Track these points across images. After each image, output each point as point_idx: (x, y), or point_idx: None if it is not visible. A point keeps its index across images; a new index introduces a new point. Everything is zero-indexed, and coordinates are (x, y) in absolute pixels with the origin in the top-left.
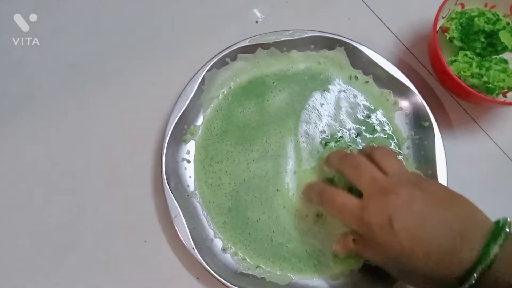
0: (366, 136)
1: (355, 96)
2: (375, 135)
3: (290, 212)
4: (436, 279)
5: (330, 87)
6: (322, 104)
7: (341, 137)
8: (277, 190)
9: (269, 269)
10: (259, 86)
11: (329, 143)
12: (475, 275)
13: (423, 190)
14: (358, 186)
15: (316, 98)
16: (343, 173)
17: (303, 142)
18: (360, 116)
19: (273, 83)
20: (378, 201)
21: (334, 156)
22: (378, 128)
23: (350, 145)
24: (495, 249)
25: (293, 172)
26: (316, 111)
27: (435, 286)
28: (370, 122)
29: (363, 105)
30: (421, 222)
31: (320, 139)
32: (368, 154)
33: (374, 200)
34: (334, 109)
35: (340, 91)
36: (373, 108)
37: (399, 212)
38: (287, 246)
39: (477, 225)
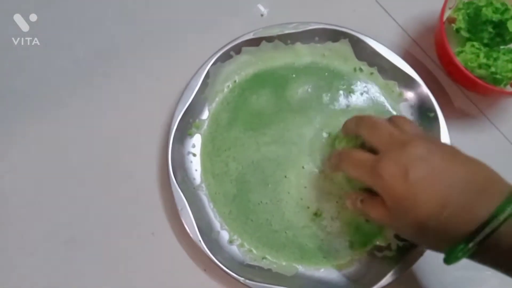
0: None
1: (378, 98)
2: None
3: (294, 199)
4: (444, 234)
5: (354, 87)
6: (348, 106)
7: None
8: (285, 176)
9: (275, 260)
10: (275, 78)
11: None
12: (483, 232)
13: (442, 148)
14: (374, 144)
15: (342, 97)
16: (360, 135)
17: (323, 135)
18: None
19: (293, 75)
20: (394, 153)
21: (350, 121)
22: None
23: None
24: (509, 210)
25: (307, 163)
26: (340, 108)
27: (441, 242)
28: None
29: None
30: (439, 174)
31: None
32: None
33: (390, 152)
34: (358, 111)
35: (362, 93)
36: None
37: (416, 163)
38: (286, 233)
39: (495, 185)
